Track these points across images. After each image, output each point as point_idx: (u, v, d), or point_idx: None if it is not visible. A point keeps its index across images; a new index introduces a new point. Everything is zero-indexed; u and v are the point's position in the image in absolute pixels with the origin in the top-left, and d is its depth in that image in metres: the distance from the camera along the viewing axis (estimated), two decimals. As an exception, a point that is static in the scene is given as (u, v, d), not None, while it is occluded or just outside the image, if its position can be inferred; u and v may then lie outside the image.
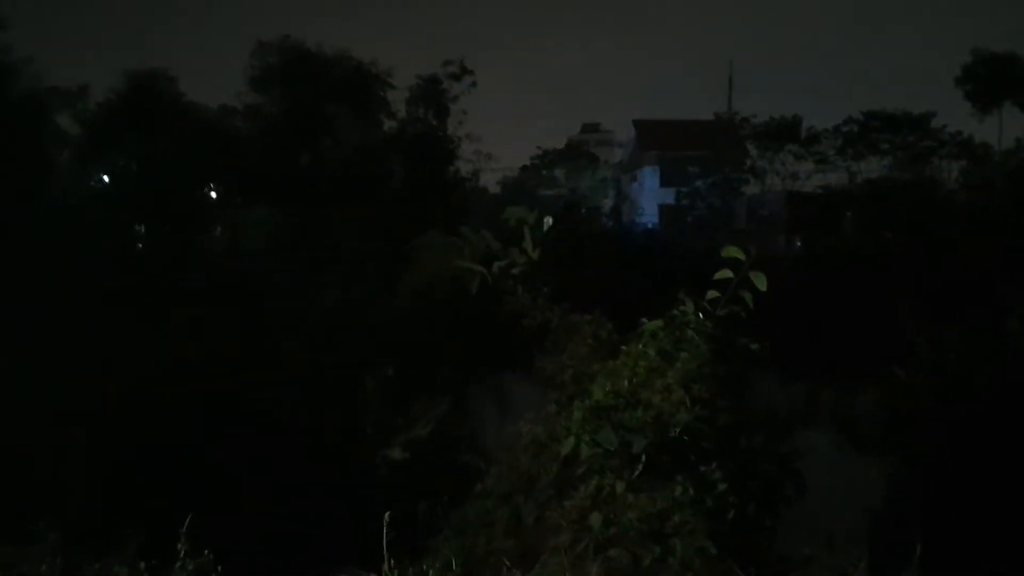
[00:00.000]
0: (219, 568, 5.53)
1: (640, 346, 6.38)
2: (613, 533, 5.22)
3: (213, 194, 39.86)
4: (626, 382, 6.08)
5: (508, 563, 5.32)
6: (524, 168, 72.43)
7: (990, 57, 55.13)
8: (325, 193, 34.36)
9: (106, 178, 39.42)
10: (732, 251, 6.05)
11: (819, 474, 6.52)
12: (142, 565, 5.45)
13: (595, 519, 5.31)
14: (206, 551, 5.60)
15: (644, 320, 6.64)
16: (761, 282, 5.99)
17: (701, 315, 6.27)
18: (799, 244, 50.58)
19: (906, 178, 53.07)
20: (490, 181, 66.04)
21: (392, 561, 5.99)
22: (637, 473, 5.47)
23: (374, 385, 7.14)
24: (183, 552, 5.59)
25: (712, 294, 6.20)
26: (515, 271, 7.47)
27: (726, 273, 6.06)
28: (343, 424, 7.03)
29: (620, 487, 5.39)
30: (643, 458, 5.47)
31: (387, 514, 6.51)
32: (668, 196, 60.72)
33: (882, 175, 55.71)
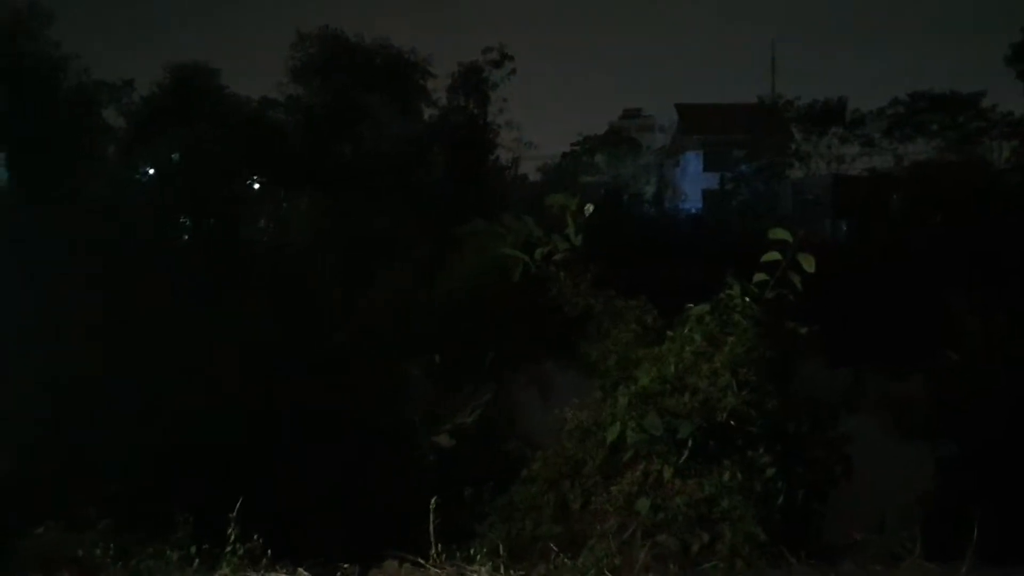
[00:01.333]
0: (268, 552, 5.61)
1: (686, 331, 6.33)
2: (661, 519, 5.21)
3: (256, 186, 40.27)
4: (672, 367, 6.04)
5: (555, 548, 5.33)
6: (565, 155, 72.21)
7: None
8: (367, 183, 34.54)
9: (151, 171, 40.01)
10: (779, 233, 5.99)
11: (869, 459, 6.45)
12: (193, 549, 5.54)
13: (642, 504, 5.30)
14: (256, 536, 5.68)
15: (690, 305, 6.59)
16: (809, 264, 5.92)
17: (748, 299, 6.21)
18: (845, 228, 49.90)
19: (955, 160, 52.01)
20: (530, 168, 65.98)
21: (439, 546, 6.04)
22: (684, 458, 5.45)
23: (421, 372, 7.18)
24: (233, 537, 5.68)
25: (759, 277, 6.13)
26: (557, 258, 7.46)
27: (774, 255, 6.00)
28: (390, 410, 7.08)
29: (667, 472, 5.38)
30: (690, 443, 5.44)
31: (433, 499, 6.56)
32: (711, 181, 60.18)
33: (930, 157, 54.64)
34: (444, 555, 5.70)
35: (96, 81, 37.18)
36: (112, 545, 5.64)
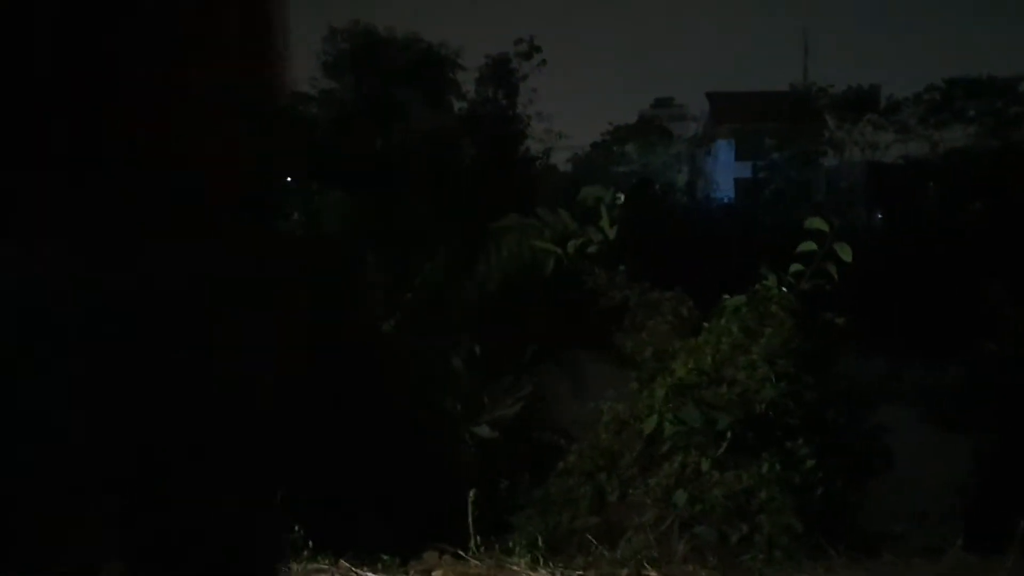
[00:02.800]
0: (309, 543, 5.68)
1: (722, 322, 6.34)
2: (699, 510, 5.22)
3: (289, 179, 40.63)
4: (709, 359, 6.05)
5: (593, 540, 5.35)
6: (595, 145, 72.05)
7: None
8: (399, 177, 34.71)
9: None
10: (816, 222, 5.97)
11: (908, 449, 6.41)
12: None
13: (680, 497, 5.32)
14: (297, 527, 5.77)
15: (726, 296, 6.59)
16: (847, 253, 5.89)
17: (784, 289, 6.20)
18: (880, 217, 49.36)
19: (993, 146, 51.20)
20: (561, 159, 65.85)
21: (478, 538, 6.09)
22: (722, 450, 5.46)
23: (461, 364, 7.24)
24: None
25: (795, 268, 6.12)
26: (591, 250, 7.48)
27: (810, 245, 5.98)
28: (431, 402, 7.16)
29: (705, 464, 5.39)
30: (728, 435, 5.45)
31: (472, 491, 6.61)
32: (744, 170, 59.72)
33: (967, 144, 53.83)
34: (483, 547, 5.75)
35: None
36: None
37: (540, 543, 5.57)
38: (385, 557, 4.95)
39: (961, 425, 13.45)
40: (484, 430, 7.50)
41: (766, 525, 5.04)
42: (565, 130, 75.20)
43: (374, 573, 4.46)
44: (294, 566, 4.69)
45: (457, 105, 45.39)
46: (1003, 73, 55.45)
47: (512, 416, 7.66)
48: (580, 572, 4.40)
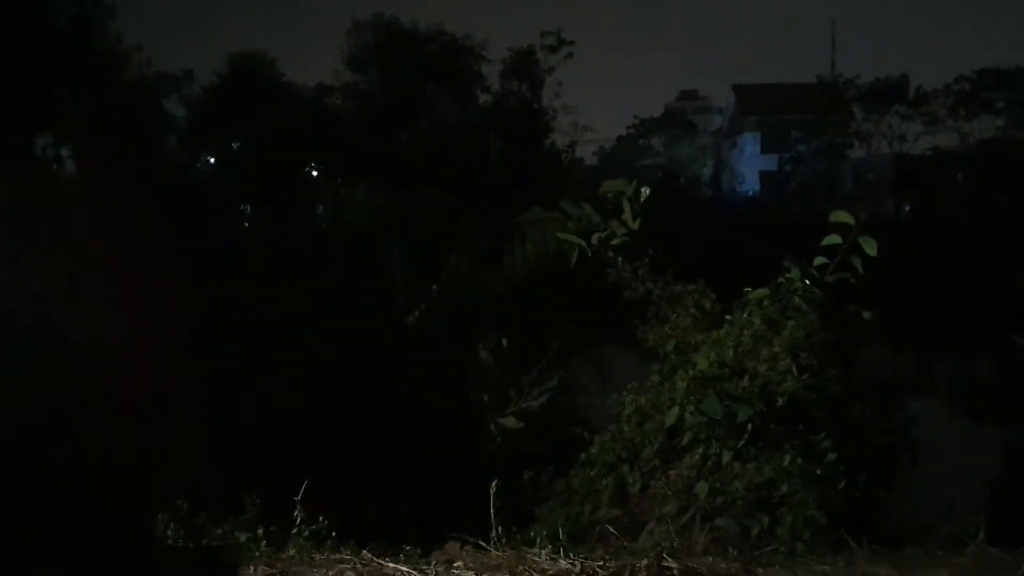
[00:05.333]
0: (333, 534, 5.73)
1: (745, 315, 6.32)
2: (720, 502, 5.21)
3: (315, 173, 40.79)
4: (731, 351, 6.03)
5: (614, 531, 5.36)
6: (621, 138, 71.89)
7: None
8: (424, 169, 34.78)
9: (212, 160, 40.77)
10: (840, 215, 5.93)
11: (935, 443, 6.36)
12: (260, 531, 5.69)
13: (701, 488, 5.30)
14: (321, 518, 5.82)
15: (748, 289, 6.57)
16: (871, 247, 5.85)
17: (808, 282, 6.16)
18: (908, 209, 48.87)
19: (1022, 137, 50.51)
20: (586, 152, 65.76)
21: (500, 529, 6.12)
22: (743, 442, 5.44)
23: (488, 356, 7.26)
24: (299, 519, 5.82)
25: (820, 260, 6.08)
26: (615, 243, 7.47)
27: (834, 239, 5.94)
28: (458, 393, 7.19)
29: (726, 456, 5.37)
30: (749, 427, 5.43)
31: (494, 482, 6.63)
32: (770, 163, 59.31)
33: (996, 135, 53.12)
34: (504, 538, 5.78)
35: (157, 72, 37.97)
36: (182, 526, 5.83)
37: (561, 534, 5.59)
38: (407, 547, 4.99)
39: (991, 418, 13.33)
40: (510, 421, 7.53)
41: (788, 518, 5.01)
42: (591, 123, 75.17)
43: (396, 564, 4.48)
44: (316, 556, 4.74)
45: (482, 98, 45.48)
46: (1032, 63, 54.69)
47: (538, 408, 7.67)
48: (601, 563, 4.40)
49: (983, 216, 38.68)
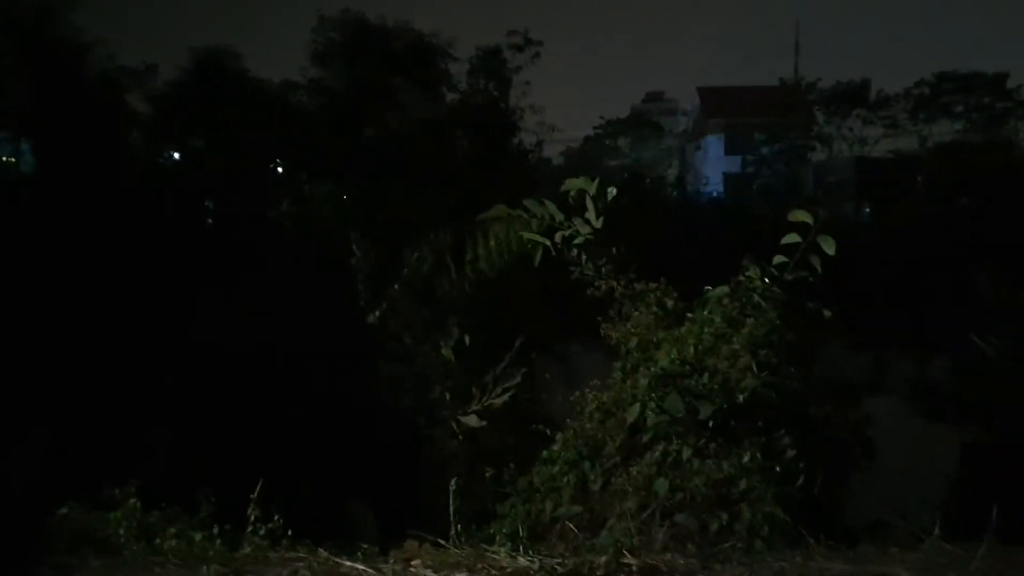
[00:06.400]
0: (289, 533, 5.68)
1: (706, 313, 6.35)
2: (680, 499, 5.22)
3: (279, 169, 40.42)
4: (692, 349, 6.06)
5: (575, 528, 5.36)
6: (587, 138, 72.10)
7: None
8: (389, 167, 34.57)
9: (176, 155, 40.25)
10: (800, 215, 5.98)
11: (891, 441, 6.43)
12: (215, 529, 5.62)
13: (661, 485, 5.32)
14: (276, 516, 5.77)
15: (709, 287, 6.61)
16: (829, 245, 5.90)
17: (768, 281, 6.21)
18: (868, 211, 49.50)
19: (980, 141, 51.42)
20: (554, 152, 65.83)
21: (459, 527, 6.09)
22: (704, 439, 5.46)
23: (450, 353, 7.22)
24: (254, 517, 5.76)
25: (779, 259, 6.13)
26: (578, 241, 7.48)
27: (793, 237, 5.99)
28: (420, 391, 7.14)
29: (686, 453, 5.39)
30: (710, 424, 5.45)
31: (454, 481, 6.61)
32: (733, 164, 59.83)
33: (955, 139, 54.04)
34: (464, 536, 5.75)
35: (120, 66, 37.38)
36: (136, 525, 5.73)
37: (522, 532, 5.58)
38: (365, 546, 4.95)
39: (947, 417, 13.53)
40: (472, 419, 7.48)
41: (746, 514, 5.04)
42: (558, 123, 75.26)
43: (353, 562, 4.44)
44: (271, 555, 4.68)
45: (449, 96, 45.28)
46: (991, 69, 55.77)
47: (500, 405, 7.64)
48: (560, 561, 4.39)
49: (942, 218, 39.30)
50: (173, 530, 5.63)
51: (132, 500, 5.96)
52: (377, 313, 7.64)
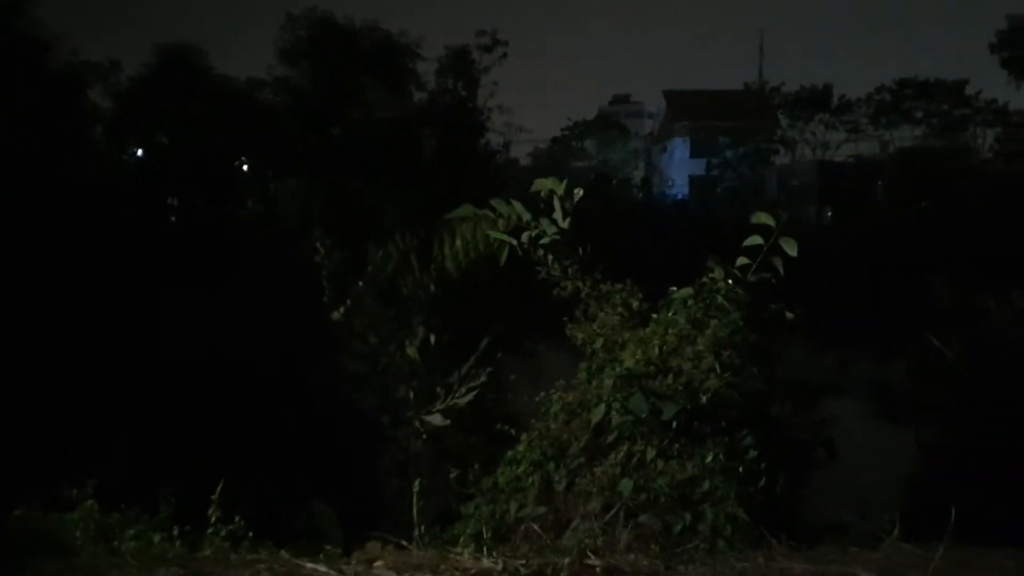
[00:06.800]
0: (251, 534, 5.63)
1: (670, 314, 6.38)
2: (644, 500, 5.24)
3: (245, 167, 40.07)
4: (656, 350, 6.08)
5: (539, 529, 5.35)
6: (555, 139, 72.25)
7: (1024, 22, 53.86)
8: (356, 165, 34.40)
9: (139, 152, 39.75)
10: (762, 217, 6.03)
11: (851, 442, 6.51)
12: (175, 531, 5.55)
13: (625, 485, 5.33)
14: (237, 518, 5.71)
15: (673, 289, 6.64)
16: (791, 247, 5.96)
17: (731, 282, 6.25)
18: (830, 214, 50.11)
19: (940, 147, 52.26)
20: (521, 153, 65.94)
21: (423, 528, 6.06)
22: (668, 440, 5.48)
23: (415, 352, 7.18)
24: (215, 518, 5.70)
25: (742, 261, 6.18)
26: (545, 242, 7.49)
27: (756, 239, 6.04)
28: (384, 390, 7.10)
29: (651, 453, 5.41)
30: (674, 425, 5.48)
31: (417, 482, 6.59)
32: (698, 167, 60.26)
33: (915, 144, 54.89)
34: (428, 537, 5.73)
35: (83, 61, 36.82)
36: (93, 526, 5.64)
37: (486, 532, 5.57)
38: (328, 547, 4.92)
39: (905, 418, 13.73)
40: (436, 419, 7.45)
41: (709, 514, 5.07)
42: (525, 124, 75.37)
43: (315, 563, 4.40)
44: (232, 556, 4.63)
45: (417, 95, 45.18)
46: (952, 76, 56.73)
47: (465, 405, 7.60)
48: (523, 562, 4.39)
49: (901, 222, 39.89)
50: (132, 531, 5.55)
51: (90, 501, 5.86)
52: (341, 311, 7.57)
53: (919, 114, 56.57)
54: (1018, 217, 34.28)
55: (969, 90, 55.82)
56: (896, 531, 4.86)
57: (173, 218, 36.47)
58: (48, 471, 6.47)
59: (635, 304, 7.14)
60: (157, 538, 5.43)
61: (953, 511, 4.53)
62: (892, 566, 4.42)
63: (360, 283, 8.05)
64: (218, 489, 5.60)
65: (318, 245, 8.15)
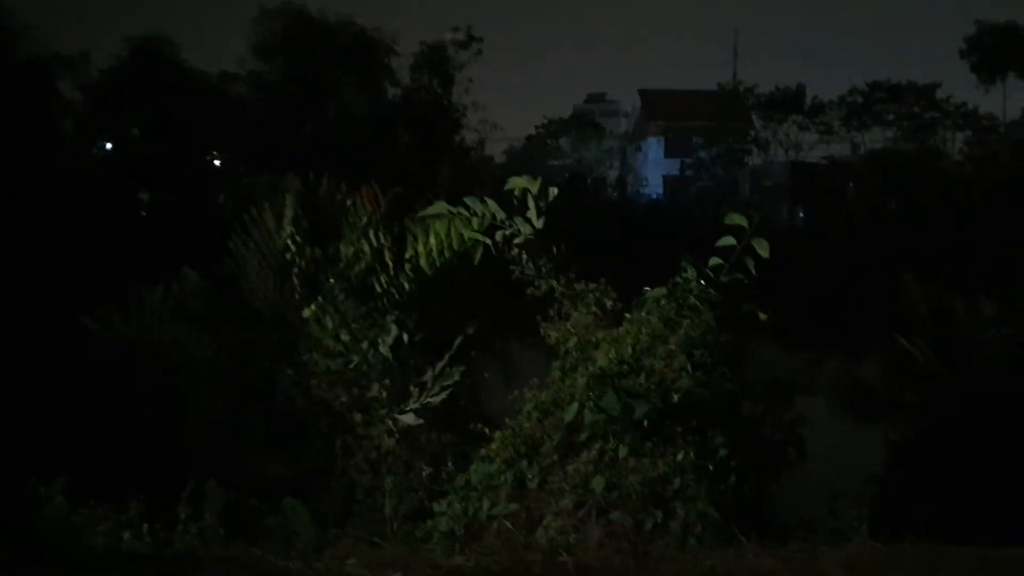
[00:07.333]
0: (222, 531, 5.60)
1: (643, 313, 6.42)
2: (616, 497, 5.27)
3: (217, 162, 39.77)
4: (629, 349, 6.11)
5: (511, 527, 5.37)
6: (530, 138, 72.28)
7: (992, 28, 54.64)
8: (329, 161, 34.24)
9: (109, 145, 39.36)
10: (735, 218, 6.08)
11: (821, 441, 6.58)
12: (145, 528, 5.52)
13: (597, 483, 5.36)
14: (207, 515, 5.69)
15: (648, 288, 6.68)
16: (763, 248, 6.01)
17: (704, 282, 6.30)
18: (802, 215, 50.54)
19: (910, 149, 52.88)
20: (496, 151, 65.97)
21: (395, 525, 6.07)
22: (640, 438, 5.52)
23: (388, 351, 7.16)
24: (184, 516, 5.67)
25: (715, 261, 6.22)
26: (519, 240, 7.51)
27: (729, 240, 6.09)
28: (354, 389, 7.09)
29: (623, 452, 5.44)
30: (645, 423, 5.51)
31: (389, 479, 6.59)
32: (673, 167, 60.53)
33: (886, 146, 55.51)
34: (400, 534, 5.74)
35: (52, 53, 36.38)
36: (62, 523, 5.58)
37: (458, 530, 5.58)
38: (300, 545, 4.91)
39: (874, 417, 13.88)
40: (409, 417, 7.44)
41: (680, 512, 5.11)
42: (500, 121, 75.40)
43: (286, 561, 4.39)
44: (203, 554, 4.62)
45: (391, 91, 45.03)
46: (923, 80, 57.43)
47: (439, 404, 7.60)
48: (495, 558, 4.40)
49: (872, 223, 40.30)
50: (101, 528, 5.50)
51: (58, 498, 5.81)
52: (312, 308, 7.55)
53: (890, 116, 57.24)
54: (985, 220, 34.80)
55: (940, 94, 56.60)
56: (864, 528, 4.92)
57: (144, 213, 36.16)
58: (14, 467, 6.40)
59: (608, 304, 7.18)
60: (126, 535, 5.39)
61: (921, 509, 4.61)
62: (861, 563, 4.48)
63: (331, 280, 8.01)
64: (188, 487, 5.57)
65: (289, 242, 8.11)
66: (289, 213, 8.25)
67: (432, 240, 8.16)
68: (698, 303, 6.14)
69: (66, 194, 29.06)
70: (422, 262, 8.24)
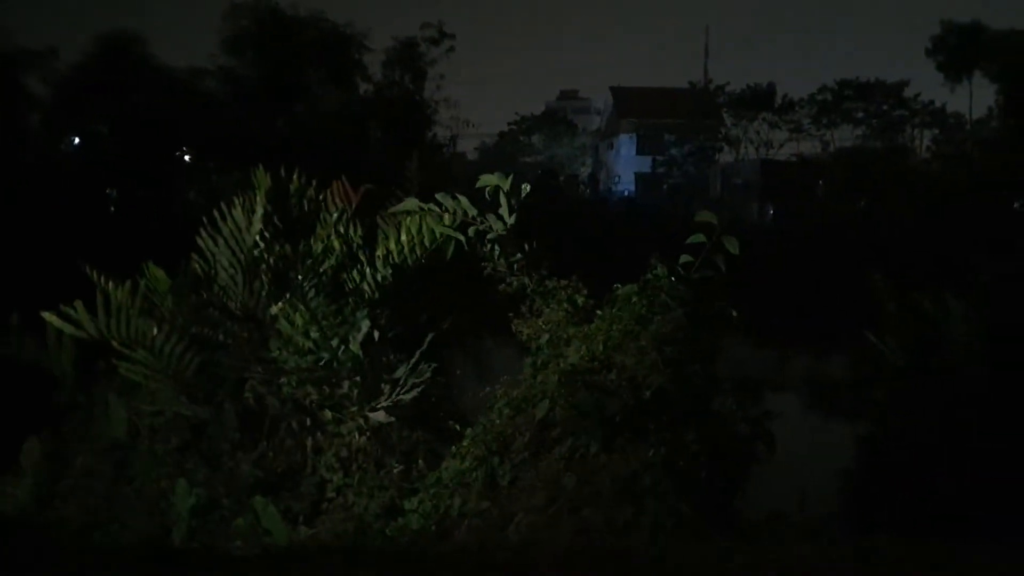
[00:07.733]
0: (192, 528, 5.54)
1: (615, 310, 6.44)
2: (587, 493, 5.27)
3: (187, 157, 39.39)
4: (601, 346, 6.13)
5: (483, 524, 5.37)
6: (502, 134, 72.30)
7: (958, 27, 55.39)
8: (300, 157, 34.06)
9: (77, 141, 38.88)
10: (705, 216, 6.10)
11: (791, 436, 6.62)
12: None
13: (568, 480, 5.36)
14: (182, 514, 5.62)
15: (619, 285, 6.70)
16: (733, 246, 6.04)
17: (675, 279, 6.32)
18: (772, 212, 50.96)
19: (879, 147, 53.51)
20: (468, 147, 65.92)
21: (366, 523, 6.03)
22: (611, 435, 5.53)
23: (358, 348, 7.11)
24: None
25: (685, 258, 6.25)
26: (491, 237, 7.50)
27: (699, 237, 6.11)
28: (325, 387, 7.03)
29: (594, 448, 5.45)
30: (617, 420, 5.52)
31: (357, 477, 6.55)
32: (644, 164, 60.82)
33: (855, 144, 56.14)
34: (370, 532, 5.70)
35: (19, 48, 35.85)
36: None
37: (429, 527, 5.57)
38: (269, 542, 4.87)
39: (843, 412, 14.03)
40: (380, 415, 7.40)
41: (651, 508, 5.12)
42: (473, 118, 75.45)
43: (259, 560, 4.36)
44: (176, 556, 4.56)
45: (363, 87, 44.81)
46: (891, 78, 58.16)
47: (410, 401, 7.56)
48: (466, 555, 4.39)
49: (841, 220, 40.71)
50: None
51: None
52: (280, 305, 7.48)
53: (859, 115, 57.92)
54: (952, 218, 35.25)
55: (908, 92, 57.32)
56: (835, 524, 4.97)
57: (112, 209, 35.76)
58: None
59: (580, 300, 7.20)
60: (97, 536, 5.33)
61: (890, 505, 4.65)
62: (829, 557, 4.52)
63: (299, 276, 7.95)
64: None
65: (257, 239, 8.04)
66: (259, 210, 8.13)
67: (404, 236, 8.11)
68: (669, 300, 6.16)
69: (32, 190, 28.69)
70: (393, 258, 8.19)
